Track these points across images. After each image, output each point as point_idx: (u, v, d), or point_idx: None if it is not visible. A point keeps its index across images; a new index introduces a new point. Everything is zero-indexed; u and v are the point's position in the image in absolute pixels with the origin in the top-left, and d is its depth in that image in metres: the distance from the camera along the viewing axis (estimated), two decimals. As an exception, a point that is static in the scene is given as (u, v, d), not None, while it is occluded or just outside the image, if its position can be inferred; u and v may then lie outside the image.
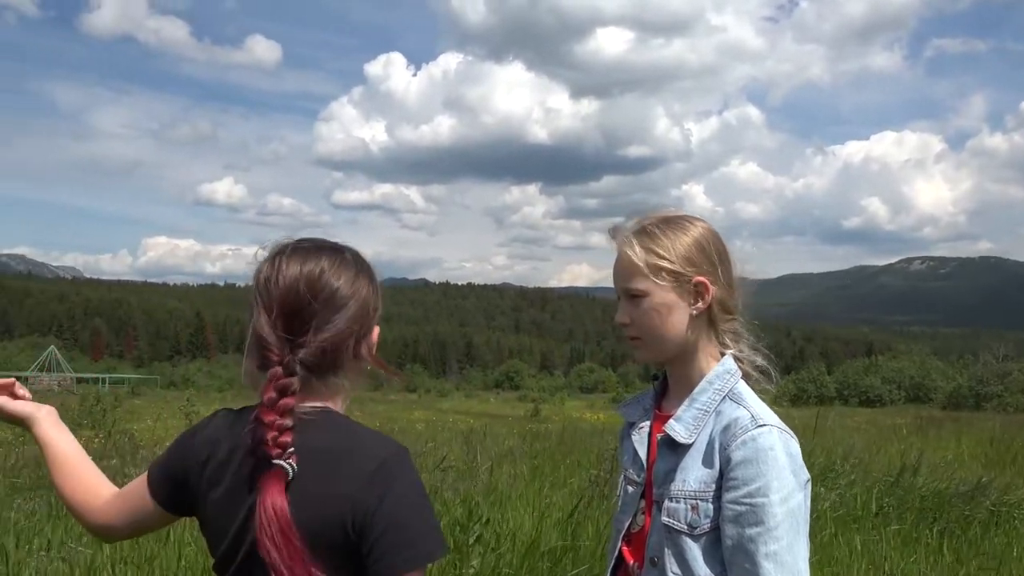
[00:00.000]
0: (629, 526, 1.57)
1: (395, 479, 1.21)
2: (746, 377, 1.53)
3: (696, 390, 1.49)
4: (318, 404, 1.29)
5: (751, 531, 1.34)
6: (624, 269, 1.52)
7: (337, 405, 1.33)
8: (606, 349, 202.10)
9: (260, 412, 1.23)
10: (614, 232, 1.56)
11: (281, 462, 1.21)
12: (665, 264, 1.47)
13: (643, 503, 1.55)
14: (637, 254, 1.49)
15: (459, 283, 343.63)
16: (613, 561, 1.61)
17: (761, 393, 1.53)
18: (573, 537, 4.69)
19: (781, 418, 1.45)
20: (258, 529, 1.18)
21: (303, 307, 1.26)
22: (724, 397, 1.47)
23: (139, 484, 1.40)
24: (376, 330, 1.36)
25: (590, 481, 7.31)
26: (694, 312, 1.49)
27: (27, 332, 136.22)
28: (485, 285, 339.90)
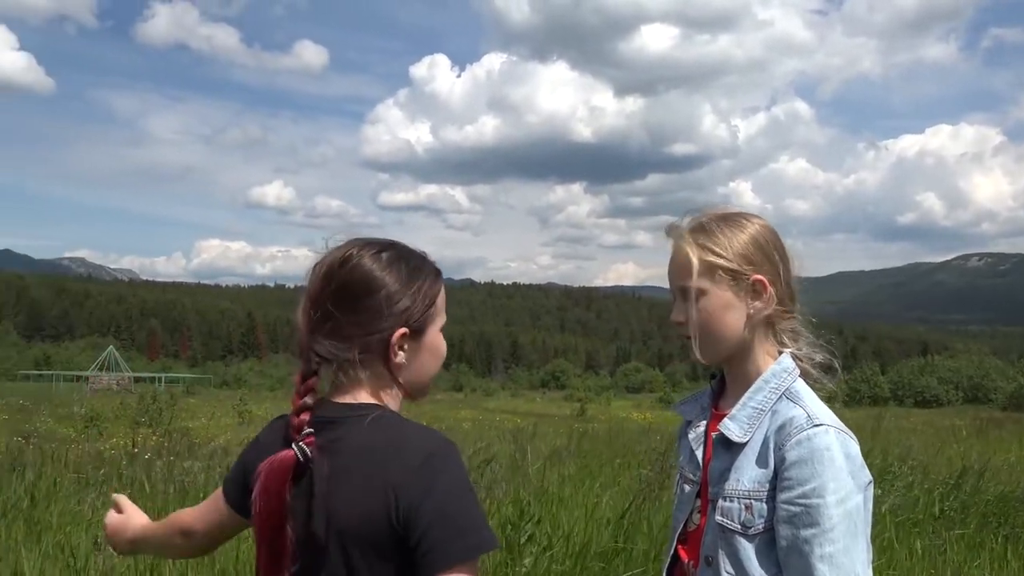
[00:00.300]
0: (685, 525, 1.56)
1: (440, 472, 1.20)
2: (805, 376, 1.50)
3: (752, 389, 1.47)
4: (367, 400, 1.30)
5: (806, 532, 1.31)
6: (680, 267, 1.50)
7: (386, 400, 1.32)
8: (652, 348, 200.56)
9: (293, 398, 1.30)
10: (670, 230, 1.54)
11: (293, 445, 1.24)
12: (722, 262, 1.45)
13: (699, 502, 1.53)
14: (693, 252, 1.47)
15: (504, 283, 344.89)
16: (669, 559, 1.60)
17: (821, 392, 1.50)
18: (625, 538, 4.67)
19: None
20: (255, 494, 1.24)
21: (320, 296, 1.29)
22: (780, 396, 1.44)
23: (217, 493, 1.49)
24: (399, 332, 1.30)
25: (640, 481, 7.27)
26: (751, 311, 1.47)
27: (88, 333, 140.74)
28: (530, 285, 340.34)
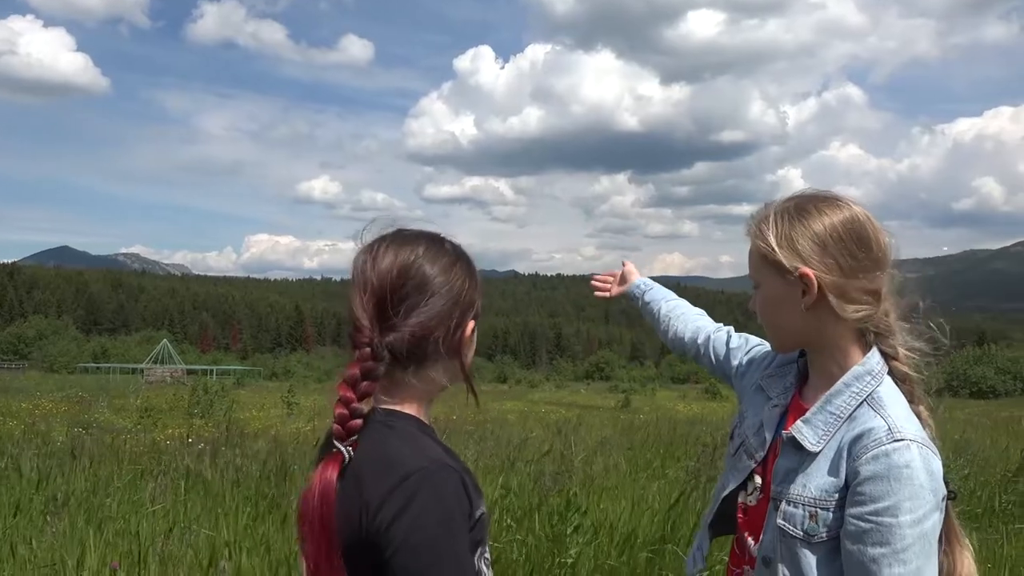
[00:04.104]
0: (744, 499, 1.53)
1: (414, 497, 1.13)
2: (898, 375, 1.42)
3: (831, 391, 1.40)
4: (388, 406, 1.27)
5: (874, 551, 1.26)
6: (748, 257, 1.49)
7: (410, 405, 1.28)
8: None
9: (339, 387, 1.22)
10: (749, 218, 1.51)
11: (340, 446, 1.19)
12: (771, 254, 1.40)
13: (759, 481, 1.50)
14: (754, 242, 1.45)
15: (548, 274, 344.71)
16: (711, 517, 1.60)
17: (919, 387, 1.42)
18: (673, 530, 4.65)
19: None
20: (300, 505, 1.19)
21: (394, 292, 1.24)
22: (862, 402, 1.36)
23: None
24: (470, 326, 1.30)
25: (687, 472, 7.23)
26: (803, 306, 1.40)
27: (142, 326, 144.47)
28: (574, 276, 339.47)
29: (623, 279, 2.23)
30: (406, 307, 1.24)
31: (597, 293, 2.28)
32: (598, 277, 2.30)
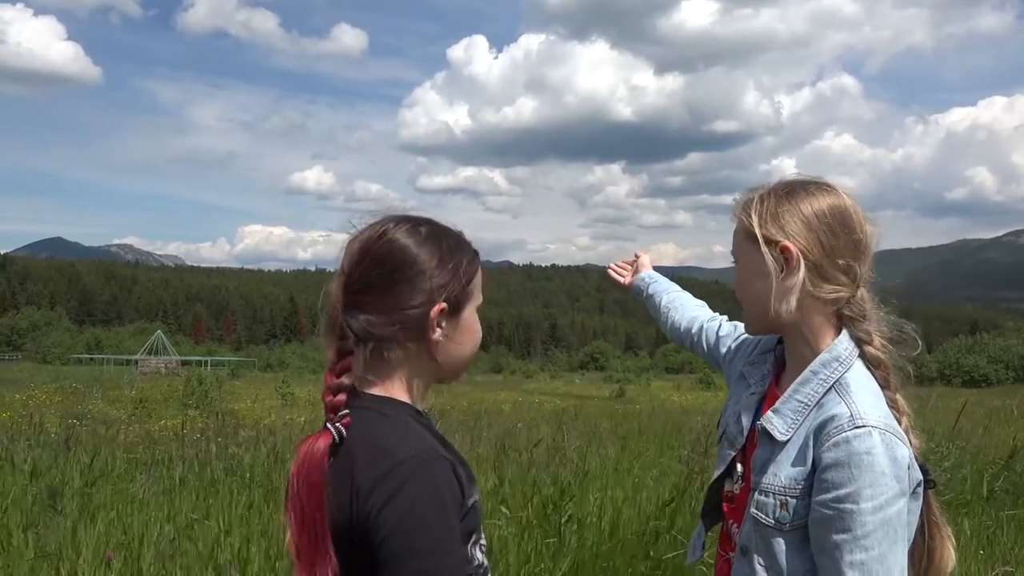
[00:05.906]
0: (730, 487, 1.55)
1: (407, 483, 1.13)
2: (870, 360, 1.42)
3: (799, 379, 1.40)
4: (380, 392, 1.27)
5: (837, 537, 1.27)
6: (733, 236, 1.50)
7: (400, 391, 1.28)
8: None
9: (325, 376, 1.25)
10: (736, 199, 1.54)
11: (330, 426, 1.19)
12: (754, 229, 1.41)
13: (741, 469, 1.51)
14: (737, 219, 1.47)
15: (543, 264, 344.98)
16: (703, 508, 1.64)
17: (893, 374, 1.42)
18: (669, 520, 4.66)
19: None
20: (288, 482, 1.18)
21: (355, 270, 1.25)
22: (829, 388, 1.37)
23: None
24: (438, 307, 1.26)
25: (680, 461, 7.25)
26: (784, 281, 1.39)
27: (136, 317, 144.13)
28: (569, 266, 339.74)
29: (638, 270, 2.27)
30: (365, 285, 1.25)
31: (612, 274, 2.33)
32: (618, 263, 2.35)
